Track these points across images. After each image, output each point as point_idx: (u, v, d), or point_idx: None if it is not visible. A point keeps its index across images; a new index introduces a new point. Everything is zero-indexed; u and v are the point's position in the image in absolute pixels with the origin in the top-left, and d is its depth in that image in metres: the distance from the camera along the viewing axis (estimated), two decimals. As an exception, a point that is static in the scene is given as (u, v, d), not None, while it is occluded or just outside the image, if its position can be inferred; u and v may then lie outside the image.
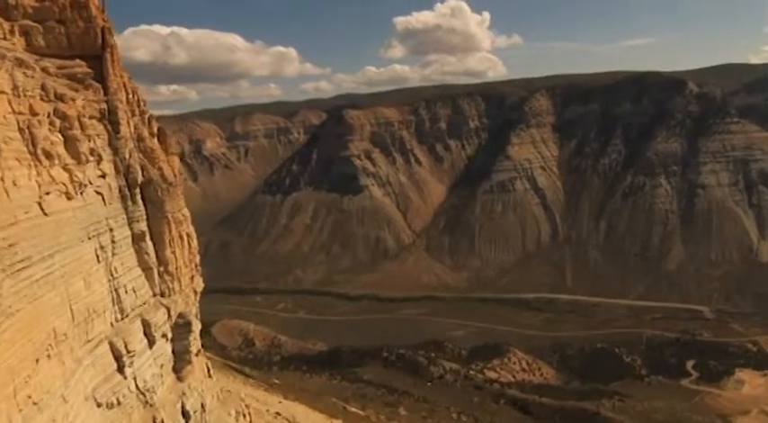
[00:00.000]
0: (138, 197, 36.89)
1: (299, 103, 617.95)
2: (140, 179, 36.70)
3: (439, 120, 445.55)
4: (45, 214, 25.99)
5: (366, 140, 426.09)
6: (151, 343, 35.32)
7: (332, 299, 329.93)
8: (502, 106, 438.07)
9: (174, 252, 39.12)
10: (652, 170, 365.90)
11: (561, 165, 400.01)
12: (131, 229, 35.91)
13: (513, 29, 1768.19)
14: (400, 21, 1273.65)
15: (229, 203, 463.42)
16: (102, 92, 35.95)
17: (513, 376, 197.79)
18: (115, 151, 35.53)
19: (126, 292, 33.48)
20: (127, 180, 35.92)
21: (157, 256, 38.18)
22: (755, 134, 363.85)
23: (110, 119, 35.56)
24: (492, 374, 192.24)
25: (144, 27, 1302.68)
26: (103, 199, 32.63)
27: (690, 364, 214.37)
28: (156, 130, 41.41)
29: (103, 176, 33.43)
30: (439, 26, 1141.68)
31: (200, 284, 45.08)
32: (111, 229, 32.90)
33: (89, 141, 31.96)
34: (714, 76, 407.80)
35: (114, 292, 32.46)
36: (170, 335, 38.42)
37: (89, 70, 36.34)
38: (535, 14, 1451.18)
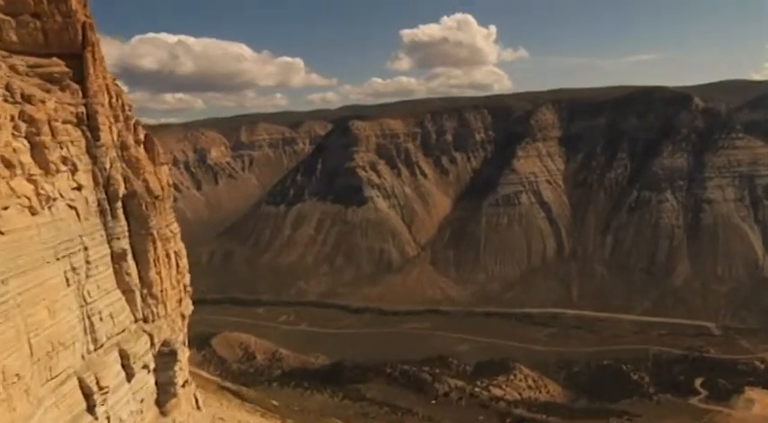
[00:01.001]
0: (120, 212, 33.30)
1: (305, 113, 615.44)
2: (122, 192, 33.12)
3: (445, 132, 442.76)
4: (0, 233, 22.49)
5: (371, 152, 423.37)
6: (129, 376, 31.59)
7: (335, 311, 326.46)
8: (508, 119, 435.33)
9: (159, 272, 35.50)
10: (658, 185, 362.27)
11: (567, 179, 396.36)
12: (111, 247, 32.36)
13: (520, 42, 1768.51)
14: (407, 33, 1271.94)
15: (233, 213, 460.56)
16: (80, 94, 32.37)
17: (519, 394, 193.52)
18: (94, 160, 32.02)
19: (101, 319, 29.88)
20: (107, 193, 32.37)
21: (140, 277, 34.53)
22: (760, 150, 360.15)
23: (88, 124, 32.00)
24: (498, 392, 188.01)
25: (151, 35, 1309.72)
26: (78, 214, 29.08)
27: (698, 381, 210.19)
28: (142, 137, 37.71)
29: (78, 188, 29.88)
30: (445, 39, 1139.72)
31: (188, 308, 41.25)
32: (85, 248, 29.32)
33: (61, 149, 28.47)
34: (718, 92, 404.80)
35: (87, 320, 28.84)
36: (153, 365, 34.64)
37: (67, 70, 32.77)
38: (541, 29, 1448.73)
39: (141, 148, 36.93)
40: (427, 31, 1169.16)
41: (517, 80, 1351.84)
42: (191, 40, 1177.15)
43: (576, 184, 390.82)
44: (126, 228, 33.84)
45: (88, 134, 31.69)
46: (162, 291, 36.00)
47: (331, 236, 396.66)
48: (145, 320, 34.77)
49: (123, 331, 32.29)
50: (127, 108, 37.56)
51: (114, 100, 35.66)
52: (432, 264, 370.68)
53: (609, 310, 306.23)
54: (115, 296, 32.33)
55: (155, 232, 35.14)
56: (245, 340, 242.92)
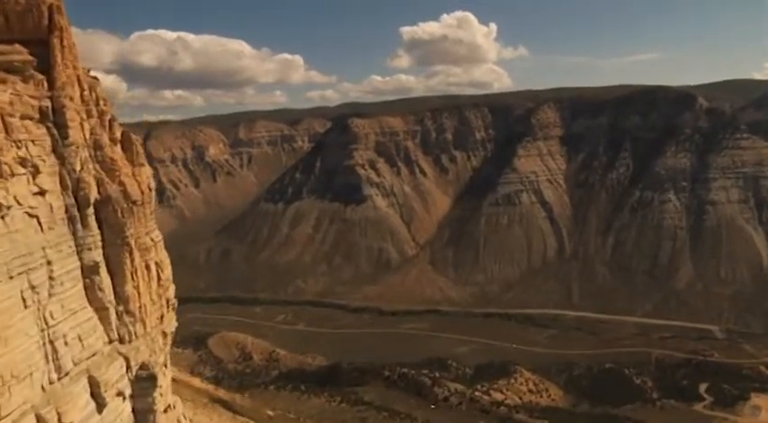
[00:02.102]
0: (92, 219, 29.49)
1: (304, 110, 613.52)
2: (95, 197, 29.37)
3: (445, 130, 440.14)
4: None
5: (371, 150, 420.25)
6: (101, 406, 27.69)
7: (333, 311, 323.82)
8: (508, 118, 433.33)
9: (137, 286, 31.70)
10: (661, 185, 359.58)
11: (568, 178, 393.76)
12: (81, 259, 28.60)
13: (519, 41, 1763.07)
14: (407, 31, 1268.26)
15: (231, 211, 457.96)
16: (45, 85, 28.56)
17: (520, 398, 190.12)
18: (61, 161, 28.23)
19: (66, 343, 26.09)
20: (76, 198, 28.57)
21: (115, 293, 30.71)
22: (765, 150, 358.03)
23: (54, 120, 28.12)
24: (498, 396, 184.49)
25: (150, 31, 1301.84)
26: (39, 223, 25.31)
27: (703, 387, 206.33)
28: (119, 135, 33.88)
29: (42, 194, 26.08)
30: (445, 37, 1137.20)
31: (171, 324, 37.23)
32: (48, 263, 25.55)
33: (18, 148, 24.69)
34: (721, 92, 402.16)
35: (48, 346, 25.03)
36: (129, 391, 30.73)
37: (30, 58, 28.81)
38: (541, 27, 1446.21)
39: (118, 148, 33.14)
40: (427, 29, 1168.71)
41: (517, 79, 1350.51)
42: (190, 36, 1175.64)
43: (577, 183, 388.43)
44: (99, 237, 29.98)
45: (54, 132, 27.85)
46: (140, 307, 32.20)
47: (329, 234, 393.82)
48: (120, 341, 30.91)
49: (94, 355, 28.38)
50: (102, 102, 33.58)
51: (87, 93, 31.87)
52: (431, 263, 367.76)
53: (610, 312, 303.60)
54: (84, 315, 28.47)
55: (132, 242, 31.34)
56: (241, 340, 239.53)
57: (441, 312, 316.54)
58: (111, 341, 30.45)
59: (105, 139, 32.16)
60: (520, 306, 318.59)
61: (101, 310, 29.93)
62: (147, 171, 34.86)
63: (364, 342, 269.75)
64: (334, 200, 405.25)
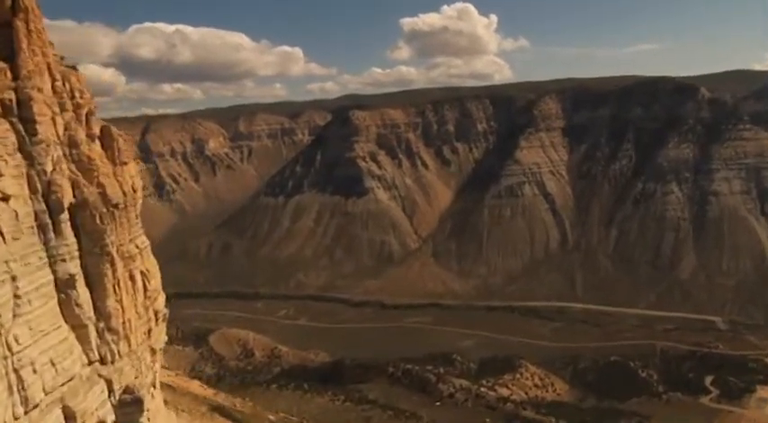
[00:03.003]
0: (66, 226, 26.26)
1: (304, 103, 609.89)
2: (70, 201, 26.17)
3: (446, 122, 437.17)
4: None
5: (372, 142, 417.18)
6: (78, 439, 24.77)
7: (335, 305, 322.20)
8: (510, 109, 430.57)
9: (120, 300, 28.46)
10: (663, 177, 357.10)
11: (571, 170, 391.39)
12: (54, 272, 25.41)
13: (520, 32, 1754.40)
14: (407, 22, 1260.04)
15: (231, 205, 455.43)
16: (9, 75, 25.30)
17: (526, 393, 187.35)
18: (29, 162, 25.04)
19: (35, 370, 22.76)
20: (47, 203, 25.36)
21: (95, 308, 27.48)
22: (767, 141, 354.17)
23: (20, 115, 24.88)
24: (504, 391, 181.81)
25: (148, 24, 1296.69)
26: (2, 234, 22.20)
27: (708, 379, 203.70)
28: (97, 130, 30.58)
29: (5, 199, 22.86)
30: (446, 28, 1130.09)
31: (160, 339, 33.97)
32: (13, 278, 22.29)
33: (-27, 147, 21.67)
34: (722, 83, 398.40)
35: (13, 375, 21.75)
36: (112, 418, 27.50)
37: (-10, 44, 25.71)
38: (542, 18, 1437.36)
39: (96, 145, 29.87)
40: (427, 20, 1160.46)
41: (518, 70, 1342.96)
42: (188, 29, 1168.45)
43: (579, 175, 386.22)
44: (75, 246, 26.77)
45: (20, 127, 24.53)
46: (124, 323, 28.97)
47: (331, 228, 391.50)
48: (102, 362, 27.65)
49: (71, 380, 25.09)
50: (78, 94, 30.22)
51: (59, 83, 28.63)
52: (433, 256, 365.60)
53: (613, 304, 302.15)
54: (58, 336, 25.13)
55: (113, 250, 28.09)
56: (243, 337, 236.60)
57: (443, 306, 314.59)
58: (90, 362, 27.21)
59: (81, 135, 28.89)
60: (523, 298, 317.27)
61: (79, 328, 26.70)
62: (131, 170, 31.61)
63: (367, 337, 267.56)
64: (335, 193, 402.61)
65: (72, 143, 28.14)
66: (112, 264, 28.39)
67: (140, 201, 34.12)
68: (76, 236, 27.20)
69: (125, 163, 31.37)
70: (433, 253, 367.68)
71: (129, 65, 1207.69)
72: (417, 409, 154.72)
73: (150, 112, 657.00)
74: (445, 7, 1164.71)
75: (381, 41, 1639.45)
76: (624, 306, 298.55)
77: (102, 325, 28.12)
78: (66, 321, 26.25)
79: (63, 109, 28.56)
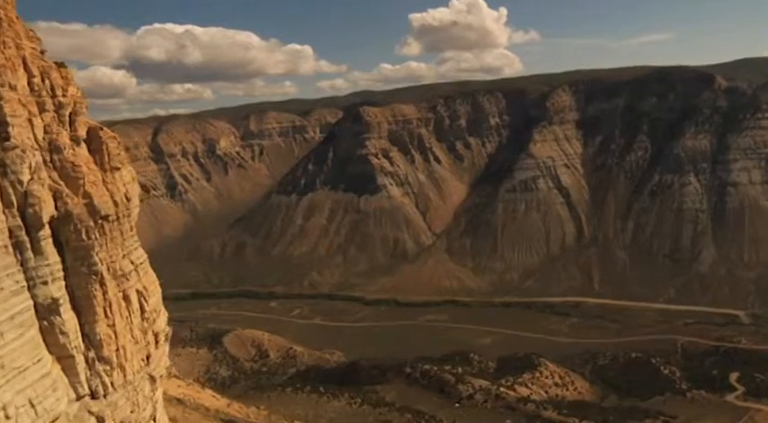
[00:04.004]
0: (47, 243, 23.08)
1: (315, 100, 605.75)
2: (50, 214, 23.03)
3: (458, 117, 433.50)
4: None
5: (384, 139, 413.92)
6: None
7: (349, 303, 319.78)
8: (523, 103, 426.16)
9: (112, 324, 25.15)
10: (680, 168, 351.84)
11: (585, 162, 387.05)
12: (34, 296, 22.30)
13: (530, 24, 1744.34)
14: (416, 17, 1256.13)
15: (243, 204, 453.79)
16: None
17: (546, 392, 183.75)
18: (2, 170, 21.98)
19: (7, 416, 19.58)
20: (23, 217, 22.27)
21: (84, 335, 24.24)
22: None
23: None
24: (523, 390, 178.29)
25: (157, 25, 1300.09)
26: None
27: (734, 376, 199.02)
28: (83, 132, 27.34)
29: None
30: (455, 22, 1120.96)
31: (161, 365, 30.39)
32: None
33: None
34: (739, 71, 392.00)
35: None
36: None
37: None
38: (552, 9, 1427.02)
39: (82, 149, 26.57)
40: (436, 15, 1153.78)
41: (528, 63, 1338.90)
42: (198, 29, 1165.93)
43: (595, 167, 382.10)
44: (58, 266, 23.42)
45: (-11, 131, 21.80)
46: (118, 350, 25.56)
47: (344, 225, 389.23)
48: (93, 396, 24.25)
49: (55, 421, 22.11)
50: (60, 92, 26.98)
51: (38, 80, 25.40)
52: (448, 253, 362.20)
53: (632, 299, 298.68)
54: (38, 372, 21.60)
55: (103, 269, 24.69)
56: (257, 338, 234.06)
57: (459, 303, 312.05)
58: (79, 398, 23.90)
59: (65, 138, 25.55)
60: (540, 294, 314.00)
61: (64, 360, 23.35)
62: (124, 176, 28.25)
63: (382, 335, 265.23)
64: (347, 190, 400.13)
65: (54, 148, 24.90)
66: (102, 284, 25.14)
67: (137, 210, 30.87)
68: (60, 254, 23.96)
69: (117, 168, 28.00)
70: (447, 249, 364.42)
71: (139, 66, 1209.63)
72: (436, 411, 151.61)
73: (161, 112, 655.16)
74: (454, 1, 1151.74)
75: (390, 37, 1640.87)
76: (642, 300, 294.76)
77: (91, 354, 24.87)
78: (49, 352, 23.02)
79: (42, 109, 25.32)
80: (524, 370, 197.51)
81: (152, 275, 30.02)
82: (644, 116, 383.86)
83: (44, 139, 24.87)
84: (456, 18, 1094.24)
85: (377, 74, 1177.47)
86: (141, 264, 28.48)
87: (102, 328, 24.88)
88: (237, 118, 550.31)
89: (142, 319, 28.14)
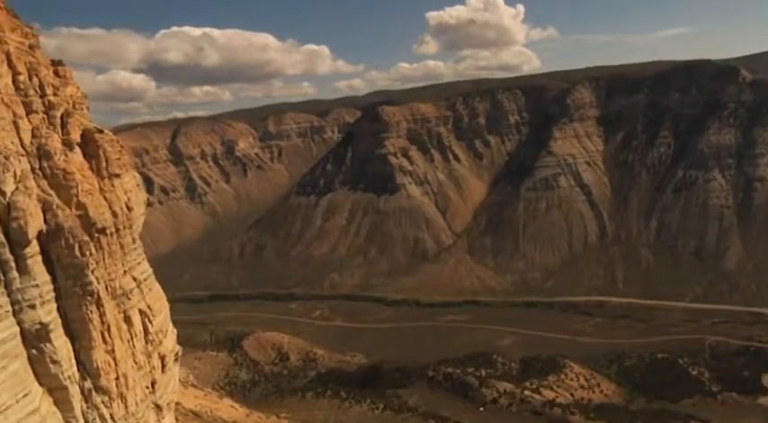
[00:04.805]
0: (35, 261, 20.33)
1: (333, 101, 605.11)
2: (38, 229, 20.30)
3: (477, 115, 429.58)
4: None
5: (402, 138, 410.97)
6: None
7: (370, 304, 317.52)
8: (542, 100, 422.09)
9: (111, 350, 22.42)
10: (705, 163, 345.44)
11: (607, 159, 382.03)
12: (21, 322, 19.61)
13: (548, 21, 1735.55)
14: (433, 16, 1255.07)
15: (263, 205, 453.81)
16: None
17: (572, 394, 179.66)
18: (-20, 180, 19.37)
19: None
20: (7, 232, 19.62)
21: (79, 363, 21.57)
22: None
23: None
24: (549, 393, 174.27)
25: (175, 29, 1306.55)
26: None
27: (766, 378, 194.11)
28: (77, 136, 24.57)
29: None
30: (472, 20, 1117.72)
31: (169, 390, 27.54)
32: None
33: None
34: (764, 63, 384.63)
35: None
36: None
37: None
38: (570, 6, 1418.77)
39: (77, 154, 23.77)
40: (453, 13, 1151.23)
41: (547, 60, 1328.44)
42: (215, 32, 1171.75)
43: (616, 164, 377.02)
44: (48, 287, 20.60)
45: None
46: (118, 379, 22.67)
47: (363, 226, 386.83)
48: None
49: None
50: (51, 91, 24.08)
51: (24, 77, 22.65)
52: (468, 252, 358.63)
53: (657, 298, 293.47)
54: (26, 407, 18.74)
55: (99, 288, 21.77)
56: (277, 340, 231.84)
57: (481, 303, 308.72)
58: (73, 432, 21.35)
59: (55, 142, 22.77)
60: (562, 294, 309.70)
61: (57, 391, 20.62)
62: (127, 183, 25.43)
63: (404, 337, 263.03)
64: (366, 190, 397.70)
65: (42, 153, 22.24)
66: (99, 305, 22.38)
67: (141, 220, 28.00)
68: (51, 273, 21.23)
69: (116, 175, 25.22)
70: (468, 249, 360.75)
71: (158, 70, 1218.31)
72: (460, 415, 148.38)
73: (180, 115, 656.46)
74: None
75: (408, 36, 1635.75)
76: (668, 299, 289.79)
77: (88, 384, 22.16)
78: (39, 384, 20.32)
79: (30, 110, 22.65)
80: (549, 372, 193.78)
81: (158, 291, 27.23)
82: (666, 111, 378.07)
83: (32, 143, 22.23)
84: (473, 16, 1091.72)
85: (394, 73, 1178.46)
86: (146, 279, 25.74)
87: (99, 355, 22.15)
88: (256, 119, 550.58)
89: (146, 342, 25.36)
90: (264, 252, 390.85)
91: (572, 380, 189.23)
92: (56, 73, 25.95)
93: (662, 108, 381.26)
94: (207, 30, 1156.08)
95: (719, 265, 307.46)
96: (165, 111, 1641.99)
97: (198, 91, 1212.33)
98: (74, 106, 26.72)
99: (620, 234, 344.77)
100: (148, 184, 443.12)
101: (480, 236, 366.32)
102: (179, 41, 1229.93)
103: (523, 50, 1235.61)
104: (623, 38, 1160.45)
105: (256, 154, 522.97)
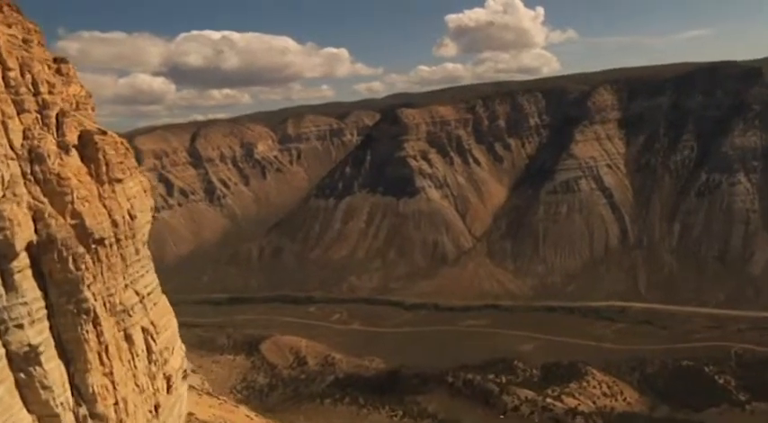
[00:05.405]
0: (23, 277, 18.40)
1: (352, 103, 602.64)
2: (28, 240, 18.33)
3: (497, 117, 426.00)
4: None
5: (422, 140, 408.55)
6: None
7: (389, 308, 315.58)
8: (563, 102, 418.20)
9: (109, 373, 20.38)
10: (729, 166, 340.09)
11: (629, 162, 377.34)
12: (7, 344, 17.70)
13: (568, 23, 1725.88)
14: (452, 18, 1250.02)
15: (282, 208, 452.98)
16: None
17: (594, 402, 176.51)
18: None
19: None
20: None
21: (73, 387, 19.60)
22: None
23: None
24: (571, 401, 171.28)
25: (195, 32, 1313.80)
26: None
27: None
28: (74, 137, 22.57)
29: None
30: (491, 23, 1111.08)
31: (175, 414, 25.42)
32: None
33: None
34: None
35: None
36: None
37: None
38: (590, 8, 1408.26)
39: (73, 158, 21.71)
40: (473, 16, 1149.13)
41: (566, 62, 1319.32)
42: (235, 35, 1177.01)
43: (638, 167, 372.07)
44: (39, 304, 18.58)
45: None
46: (117, 404, 20.51)
47: (382, 229, 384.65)
48: None
49: None
50: (45, 88, 22.09)
51: (15, 73, 20.70)
52: (488, 256, 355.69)
53: (680, 303, 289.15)
54: None
55: (96, 305, 19.65)
56: (295, 344, 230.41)
57: (501, 307, 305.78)
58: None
59: (50, 145, 20.79)
60: (583, 298, 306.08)
61: (47, 419, 18.79)
62: (130, 188, 23.36)
63: (423, 342, 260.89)
64: (386, 193, 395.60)
65: (35, 157, 20.29)
66: (96, 324, 20.38)
67: (146, 228, 25.95)
68: (42, 288, 19.26)
69: (118, 180, 23.23)
70: (487, 252, 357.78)
71: (178, 73, 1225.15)
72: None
73: (200, 118, 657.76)
74: (490, 1, 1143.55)
75: (427, 39, 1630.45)
76: (691, 305, 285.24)
77: (83, 410, 20.17)
78: (28, 411, 18.37)
79: (21, 109, 20.73)
80: (571, 379, 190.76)
81: (164, 306, 25.19)
82: (689, 114, 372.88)
83: (23, 145, 20.30)
84: (492, 18, 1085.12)
85: (413, 76, 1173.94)
86: (150, 294, 23.71)
87: (96, 379, 20.16)
88: (275, 122, 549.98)
89: (149, 362, 23.32)
90: (283, 255, 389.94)
91: (594, 387, 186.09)
92: (58, 71, 24.15)
93: (685, 110, 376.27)
94: (226, 33, 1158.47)
95: (745, 270, 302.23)
96: (184, 113, 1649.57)
97: (217, 94, 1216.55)
98: (77, 106, 24.90)
99: (642, 238, 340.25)
100: (168, 186, 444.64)
101: (500, 239, 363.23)
102: (199, 45, 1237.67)
103: (543, 53, 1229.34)
104: (643, 40, 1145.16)
105: (275, 156, 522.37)
